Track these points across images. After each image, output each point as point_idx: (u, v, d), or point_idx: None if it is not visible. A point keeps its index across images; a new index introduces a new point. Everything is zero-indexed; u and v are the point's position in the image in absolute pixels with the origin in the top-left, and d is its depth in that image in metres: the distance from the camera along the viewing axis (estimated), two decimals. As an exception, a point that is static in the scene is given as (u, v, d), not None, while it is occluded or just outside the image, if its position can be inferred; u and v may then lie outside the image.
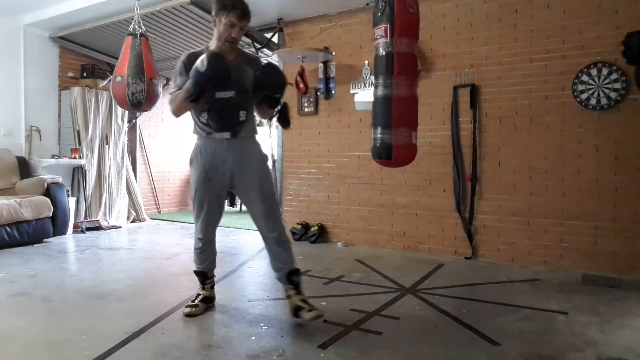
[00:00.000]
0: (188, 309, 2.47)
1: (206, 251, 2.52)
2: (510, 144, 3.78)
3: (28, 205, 4.29)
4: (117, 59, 3.96)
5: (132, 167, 6.20)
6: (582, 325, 2.36)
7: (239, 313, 2.53)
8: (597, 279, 3.20)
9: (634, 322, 2.42)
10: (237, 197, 6.66)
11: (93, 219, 5.40)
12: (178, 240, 4.77)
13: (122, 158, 5.87)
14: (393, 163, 2.44)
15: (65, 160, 5.26)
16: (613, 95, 3.36)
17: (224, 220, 2.69)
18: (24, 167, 4.96)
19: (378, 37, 2.34)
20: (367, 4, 4.12)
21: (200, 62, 2.11)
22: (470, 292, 2.99)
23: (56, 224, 4.58)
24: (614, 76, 3.35)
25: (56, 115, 5.61)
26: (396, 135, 2.30)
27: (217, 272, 2.67)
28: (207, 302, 2.56)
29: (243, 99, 2.32)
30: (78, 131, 5.39)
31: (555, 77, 3.59)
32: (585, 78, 3.45)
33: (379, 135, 2.36)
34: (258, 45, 4.83)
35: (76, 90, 5.39)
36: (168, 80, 6.58)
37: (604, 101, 3.39)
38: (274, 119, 2.49)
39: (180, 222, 6.06)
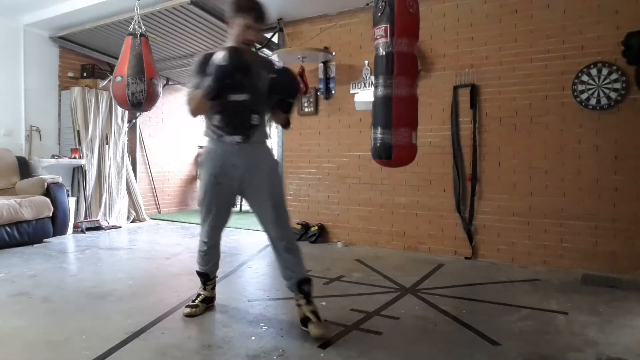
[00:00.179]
0: (188, 309, 2.47)
1: (210, 254, 2.50)
2: (510, 144, 3.78)
3: (28, 205, 4.29)
4: (117, 59, 3.96)
5: (132, 167, 6.20)
6: (582, 325, 2.36)
7: (239, 313, 2.54)
8: (597, 279, 3.20)
9: (634, 322, 2.42)
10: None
11: (93, 219, 5.40)
12: (178, 240, 4.77)
13: (122, 158, 5.87)
14: (393, 163, 2.44)
15: (65, 160, 5.26)
16: (613, 95, 3.36)
17: (224, 220, 2.68)
18: (24, 167, 4.96)
19: (378, 37, 2.34)
20: (367, 4, 4.12)
21: (220, 58, 2.08)
22: (470, 292, 2.99)
23: (56, 224, 4.58)
24: (614, 76, 3.35)
25: (56, 115, 5.61)
26: (396, 135, 2.30)
27: (217, 272, 2.66)
28: (207, 302, 2.56)
29: (256, 102, 2.28)
30: (78, 131, 5.39)
31: (555, 77, 3.59)
32: (585, 78, 3.45)
33: (379, 135, 2.36)
34: (258, 45, 4.83)
35: (76, 90, 5.39)
36: (168, 80, 6.59)
37: (604, 101, 3.39)
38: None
39: (180, 222, 6.06)
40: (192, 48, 5.34)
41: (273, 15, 4.66)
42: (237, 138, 2.26)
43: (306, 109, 4.76)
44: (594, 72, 3.42)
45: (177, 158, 7.22)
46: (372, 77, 4.30)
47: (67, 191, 4.88)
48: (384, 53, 2.31)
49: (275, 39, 4.88)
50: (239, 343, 2.12)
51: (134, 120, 6.32)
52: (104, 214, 5.58)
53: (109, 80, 5.01)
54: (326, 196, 4.69)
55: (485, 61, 3.87)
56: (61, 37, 5.37)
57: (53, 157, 5.28)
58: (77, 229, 5.15)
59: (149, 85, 3.76)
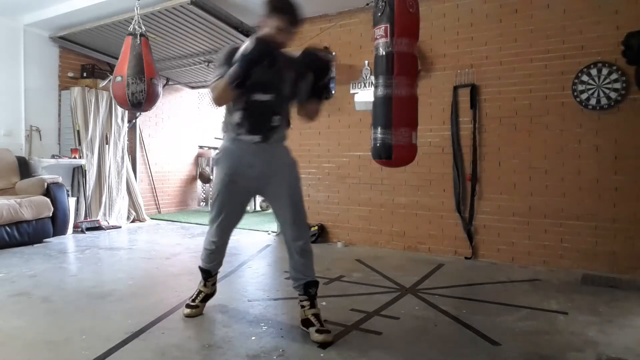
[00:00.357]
0: (188, 310, 2.46)
1: (217, 253, 2.46)
2: (510, 144, 3.78)
3: (28, 205, 4.29)
4: (117, 59, 3.96)
5: (132, 167, 6.20)
6: (582, 325, 2.36)
7: (239, 313, 2.53)
8: (597, 279, 3.20)
9: (634, 322, 2.42)
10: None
11: (93, 219, 5.40)
12: (178, 240, 4.77)
13: (122, 158, 5.87)
14: (393, 163, 2.43)
15: (65, 160, 5.26)
16: (613, 95, 3.36)
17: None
18: (24, 167, 4.96)
19: (378, 37, 2.34)
20: (367, 4, 4.12)
21: (247, 46, 2.03)
22: (470, 292, 2.99)
23: (56, 224, 4.58)
24: (614, 76, 3.35)
25: (56, 115, 5.61)
26: (396, 135, 2.30)
27: (218, 272, 2.65)
28: (207, 300, 2.55)
29: (279, 104, 2.23)
30: (78, 131, 5.39)
31: (555, 77, 3.59)
32: (585, 78, 3.45)
33: (379, 135, 2.35)
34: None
35: (76, 90, 5.39)
36: (168, 80, 6.60)
37: (604, 101, 3.39)
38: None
39: (180, 222, 6.06)
40: (192, 48, 5.34)
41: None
42: (256, 138, 2.21)
43: (306, 109, 4.75)
44: (594, 72, 3.42)
45: (177, 158, 7.22)
46: (372, 77, 4.30)
47: (67, 191, 4.88)
48: (384, 53, 2.31)
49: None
50: (239, 343, 2.12)
51: (134, 120, 6.32)
52: (104, 214, 5.58)
53: (109, 80, 5.01)
54: (326, 196, 4.69)
55: (485, 61, 3.87)
56: (61, 37, 5.37)
57: (53, 157, 5.28)
58: (77, 229, 5.15)
59: (149, 85, 3.76)
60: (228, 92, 2.09)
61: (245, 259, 3.89)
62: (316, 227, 4.61)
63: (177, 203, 7.25)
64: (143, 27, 3.90)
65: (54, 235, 4.60)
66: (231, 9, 4.43)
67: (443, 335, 2.25)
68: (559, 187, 3.59)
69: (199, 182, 7.64)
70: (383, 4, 2.29)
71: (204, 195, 7.74)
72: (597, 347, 2.09)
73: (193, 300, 2.51)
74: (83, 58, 5.80)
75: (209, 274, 2.53)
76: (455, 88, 4.00)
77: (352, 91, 4.50)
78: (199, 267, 2.55)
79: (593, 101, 3.43)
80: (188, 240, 4.76)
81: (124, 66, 3.72)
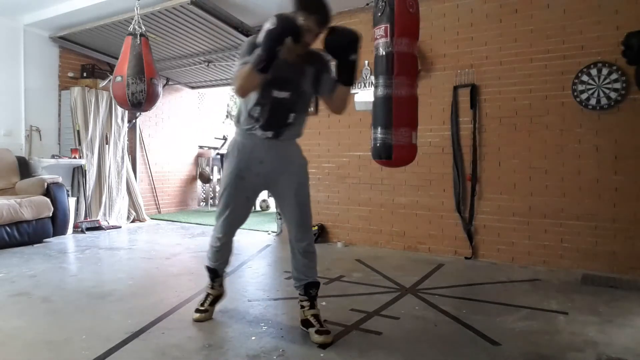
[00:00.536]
0: (197, 314, 2.40)
1: (222, 250, 2.40)
2: (510, 144, 3.78)
3: (28, 205, 4.29)
4: (117, 59, 3.96)
5: (132, 167, 6.20)
6: (582, 325, 2.36)
7: (239, 313, 2.53)
8: (597, 279, 3.20)
9: (634, 322, 2.42)
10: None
11: (93, 219, 5.40)
12: (178, 240, 4.77)
13: (122, 158, 5.87)
14: (393, 163, 2.43)
15: (65, 160, 5.26)
16: (613, 95, 3.36)
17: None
18: (24, 167, 4.96)
19: (378, 37, 2.34)
20: (367, 4, 4.12)
21: (269, 23, 1.94)
22: (470, 292, 2.99)
23: (56, 224, 4.58)
24: (614, 76, 3.35)
25: (56, 115, 5.61)
26: (396, 135, 2.30)
27: (225, 272, 2.58)
28: (216, 302, 2.49)
29: (296, 101, 2.19)
30: (78, 131, 5.39)
31: (555, 77, 3.59)
32: (585, 78, 3.45)
33: (379, 135, 2.35)
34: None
35: (76, 90, 5.39)
36: (168, 80, 6.59)
37: (604, 101, 3.39)
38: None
39: (180, 222, 6.06)
40: (192, 48, 5.34)
41: (272, 14, 4.65)
42: (268, 133, 2.18)
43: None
44: (594, 72, 3.42)
45: (177, 158, 7.22)
46: (372, 77, 4.30)
47: (67, 191, 4.88)
48: (384, 53, 2.31)
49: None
50: (239, 343, 2.12)
51: (134, 120, 6.32)
52: (104, 214, 5.58)
53: (109, 80, 5.01)
54: (326, 196, 4.69)
55: (485, 61, 3.87)
56: (61, 37, 5.37)
57: (53, 157, 5.28)
58: (77, 229, 5.15)
59: (149, 85, 3.76)
60: (253, 78, 2.00)
61: (245, 259, 3.89)
62: (316, 227, 4.61)
63: (177, 203, 7.25)
64: (143, 27, 3.90)
65: (54, 235, 4.60)
66: (231, 9, 4.43)
67: (443, 335, 2.25)
68: (559, 187, 3.58)
69: (199, 182, 7.64)
70: (383, 4, 2.29)
71: (204, 195, 7.75)
72: (597, 347, 2.09)
73: (202, 305, 2.45)
74: (83, 58, 5.80)
75: (215, 274, 2.46)
76: (455, 88, 3.99)
77: (352, 91, 4.48)
78: (206, 267, 2.49)
79: (593, 101, 3.43)
80: (188, 240, 4.76)
81: (124, 66, 3.73)
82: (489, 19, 3.85)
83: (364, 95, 4.35)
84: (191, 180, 7.52)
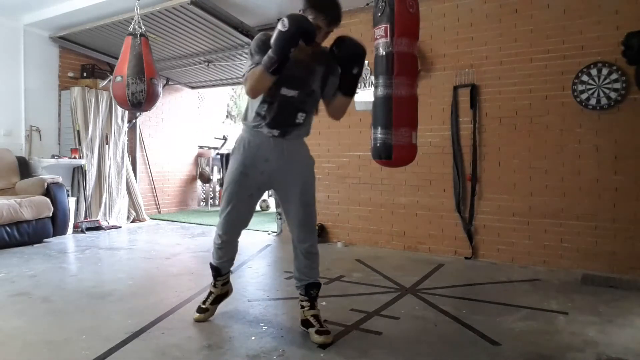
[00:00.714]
0: (198, 314, 2.38)
1: (224, 249, 2.37)
2: (510, 144, 3.78)
3: (28, 205, 4.29)
4: (117, 59, 3.96)
5: (132, 167, 6.20)
6: (582, 325, 2.36)
7: (239, 313, 2.53)
8: (597, 279, 3.20)
9: (634, 322, 2.42)
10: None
11: (93, 219, 5.40)
12: (178, 240, 4.77)
13: (122, 158, 5.87)
14: (393, 163, 2.43)
15: (65, 160, 5.26)
16: (613, 95, 3.36)
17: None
18: (24, 167, 4.96)
19: (378, 37, 2.34)
20: (367, 4, 4.12)
21: (281, 23, 1.91)
22: (470, 292, 2.99)
23: (56, 224, 4.58)
24: (614, 76, 3.35)
25: (56, 115, 5.61)
26: (396, 135, 2.29)
27: (229, 272, 2.55)
28: (219, 302, 2.47)
29: (305, 101, 2.16)
30: (78, 131, 5.39)
31: (555, 77, 3.59)
32: (585, 78, 3.45)
33: (379, 135, 2.35)
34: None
35: (76, 90, 5.39)
36: (168, 80, 6.59)
37: (604, 101, 3.39)
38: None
39: (180, 222, 6.06)
40: (192, 48, 5.34)
41: (273, 14, 4.66)
42: (275, 132, 2.15)
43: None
44: (594, 72, 3.42)
45: (177, 158, 7.22)
46: (372, 77, 4.30)
47: (67, 191, 4.88)
48: (384, 53, 2.31)
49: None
50: (239, 343, 2.12)
51: (134, 120, 6.32)
52: (104, 214, 5.58)
53: (109, 80, 5.01)
54: (326, 196, 4.69)
55: (485, 61, 3.87)
56: (61, 37, 5.37)
57: (53, 157, 5.28)
58: (77, 229, 5.15)
59: (149, 85, 3.76)
60: (265, 79, 1.98)
61: (245, 259, 3.89)
62: (316, 227, 4.61)
63: (177, 203, 7.25)
64: (143, 27, 3.90)
65: (54, 235, 4.60)
66: (231, 9, 4.43)
67: (443, 335, 2.25)
68: (559, 187, 3.59)
69: (199, 182, 7.64)
70: (383, 4, 2.28)
71: (204, 195, 7.75)
72: (597, 347, 2.09)
73: (204, 303, 2.43)
74: (83, 58, 5.80)
75: (218, 272, 2.44)
76: (455, 88, 4.00)
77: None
78: (210, 264, 2.46)
79: (593, 101, 3.43)
80: (188, 240, 4.76)
81: (124, 66, 3.72)
82: (489, 19, 3.85)
83: (364, 95, 4.34)
84: (191, 180, 7.52)
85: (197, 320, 2.37)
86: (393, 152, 2.30)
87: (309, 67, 2.14)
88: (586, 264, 3.45)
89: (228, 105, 10.83)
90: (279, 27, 1.92)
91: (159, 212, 6.80)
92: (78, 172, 5.44)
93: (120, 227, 5.58)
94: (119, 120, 5.83)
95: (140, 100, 3.74)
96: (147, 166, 6.68)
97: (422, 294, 2.90)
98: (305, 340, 2.15)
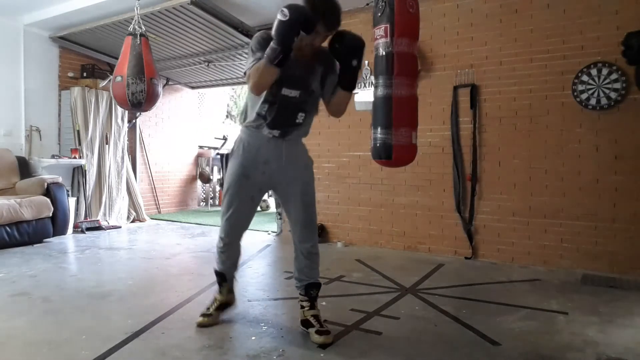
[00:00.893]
0: (201, 319, 2.35)
1: (226, 252, 2.33)
2: (510, 144, 3.78)
3: (28, 205, 4.29)
4: (117, 59, 3.96)
5: (132, 167, 6.20)
6: (582, 325, 2.36)
7: (239, 313, 2.53)
8: (597, 279, 3.20)
9: (634, 322, 2.42)
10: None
11: (93, 219, 5.40)
12: (178, 240, 4.77)
13: (122, 158, 5.87)
14: (393, 163, 2.43)
15: (65, 160, 5.26)
16: (613, 95, 3.36)
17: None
18: (24, 167, 4.96)
19: (378, 37, 2.34)
20: (367, 4, 4.12)
21: (281, 13, 1.89)
22: (470, 292, 2.99)
23: (56, 224, 4.58)
24: (614, 76, 3.35)
25: (56, 115, 5.61)
26: (396, 135, 2.29)
27: (234, 278, 2.51)
28: (223, 309, 2.42)
29: (306, 101, 2.15)
30: (78, 131, 5.39)
31: (555, 77, 3.59)
32: (585, 78, 3.45)
33: (379, 135, 2.35)
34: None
35: (76, 90, 5.39)
36: (168, 80, 6.59)
37: (604, 101, 3.39)
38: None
39: (180, 222, 6.06)
40: (192, 48, 5.34)
41: (273, 14, 4.65)
42: (275, 132, 2.14)
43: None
44: (594, 72, 3.42)
45: (177, 158, 7.22)
46: (372, 77, 4.30)
47: (67, 191, 4.88)
48: (384, 53, 2.31)
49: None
50: (239, 343, 2.12)
51: (134, 120, 6.32)
52: (104, 214, 5.58)
53: (109, 80, 5.01)
54: (326, 196, 4.69)
55: (485, 61, 3.87)
56: (61, 37, 5.37)
57: (53, 157, 5.28)
58: (77, 229, 5.15)
59: (149, 85, 3.76)
60: (269, 73, 1.95)
61: (245, 259, 3.89)
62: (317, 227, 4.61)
63: (177, 203, 7.25)
64: (143, 27, 3.90)
65: (54, 235, 4.60)
66: (231, 9, 4.43)
67: (443, 335, 2.25)
68: (558, 187, 3.58)
69: (199, 182, 7.64)
70: (383, 4, 2.28)
71: (204, 195, 7.75)
72: (597, 347, 2.09)
73: (208, 309, 2.40)
74: (83, 58, 5.80)
75: (222, 278, 2.40)
76: (455, 88, 4.00)
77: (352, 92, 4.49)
78: (214, 270, 2.43)
79: (593, 101, 3.43)
80: (188, 240, 4.76)
81: (124, 66, 3.73)
82: (489, 19, 3.85)
83: (364, 95, 4.34)
84: (191, 180, 7.52)
85: (200, 325, 2.32)
86: (393, 152, 2.30)
87: (310, 67, 2.14)
88: (586, 264, 3.45)
89: (228, 105, 10.83)
90: (279, 17, 1.91)
91: (159, 212, 6.80)
92: (78, 172, 5.44)
93: (120, 227, 5.58)
94: (119, 120, 5.83)
95: (140, 100, 3.75)
96: (147, 166, 6.69)
97: (422, 294, 2.90)
98: (305, 340, 2.15)
